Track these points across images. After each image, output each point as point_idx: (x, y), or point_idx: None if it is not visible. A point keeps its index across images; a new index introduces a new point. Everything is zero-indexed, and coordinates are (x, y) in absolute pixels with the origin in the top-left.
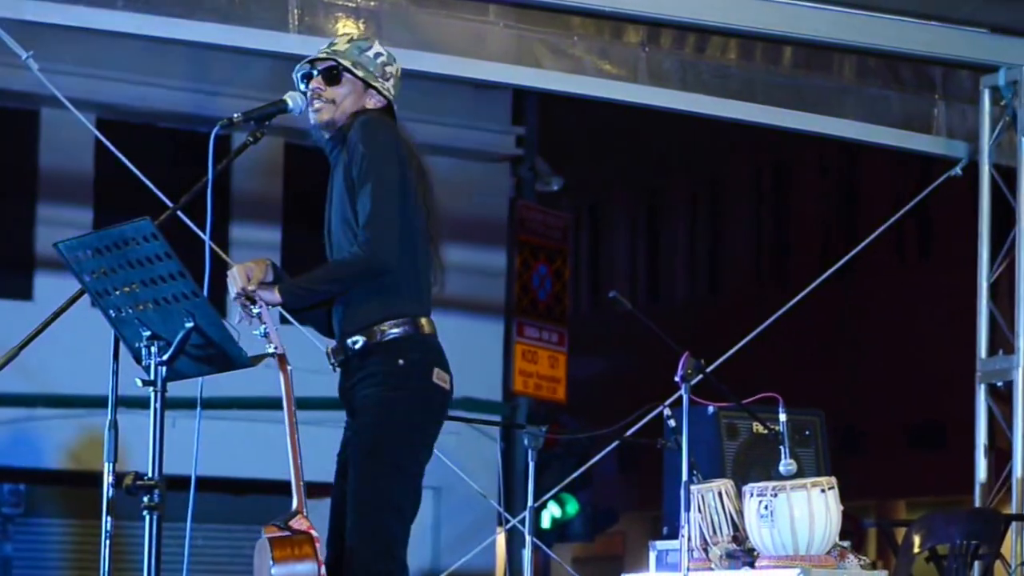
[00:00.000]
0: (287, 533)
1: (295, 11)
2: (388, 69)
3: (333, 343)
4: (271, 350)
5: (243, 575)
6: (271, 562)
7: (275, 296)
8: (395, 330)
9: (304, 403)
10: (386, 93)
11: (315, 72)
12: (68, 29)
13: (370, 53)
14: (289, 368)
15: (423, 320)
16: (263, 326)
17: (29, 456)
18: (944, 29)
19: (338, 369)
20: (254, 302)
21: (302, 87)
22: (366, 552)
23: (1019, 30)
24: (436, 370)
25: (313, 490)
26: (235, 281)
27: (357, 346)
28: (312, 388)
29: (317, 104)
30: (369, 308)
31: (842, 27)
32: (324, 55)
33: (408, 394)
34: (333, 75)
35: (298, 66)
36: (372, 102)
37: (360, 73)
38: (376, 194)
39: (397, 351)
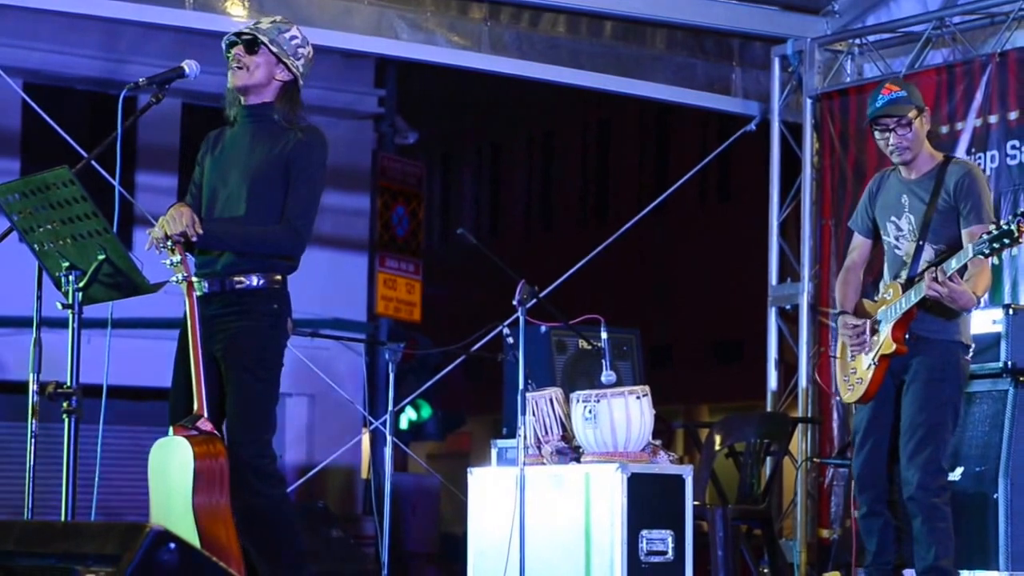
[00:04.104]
0: (196, 432)
1: None
2: (300, 50)
3: (200, 272)
4: (182, 276)
5: (144, 469)
6: (193, 458)
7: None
8: (272, 282)
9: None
10: (295, 69)
11: (238, 42)
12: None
13: (287, 35)
14: (196, 293)
15: (285, 276)
16: (176, 256)
17: None
18: (741, 6)
19: (201, 294)
20: (178, 244)
21: (228, 55)
22: (249, 451)
23: (804, 7)
24: (288, 319)
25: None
26: (177, 224)
27: (240, 286)
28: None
29: (236, 69)
30: (257, 260)
31: (654, 5)
32: (248, 30)
33: (278, 332)
34: (252, 47)
35: (226, 36)
36: (281, 75)
37: (275, 49)
38: (310, 198)
39: (272, 296)
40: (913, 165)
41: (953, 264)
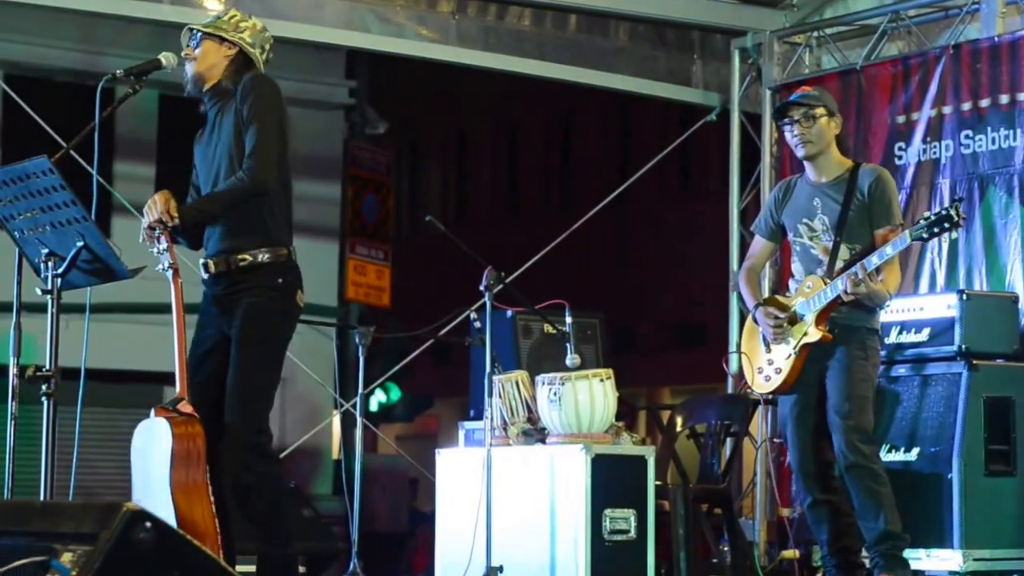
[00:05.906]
0: (177, 414)
1: None
2: (242, 24)
3: (209, 254)
4: (168, 263)
5: (120, 450)
6: (172, 437)
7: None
8: (275, 255)
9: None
10: (238, 41)
11: (188, 44)
12: None
13: (225, 17)
14: (205, 275)
15: (291, 248)
16: (162, 244)
17: None
18: (701, 0)
19: (209, 275)
20: (162, 227)
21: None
22: (244, 427)
23: (763, 1)
24: (298, 291)
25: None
26: (154, 210)
27: (244, 263)
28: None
29: (188, 62)
30: (255, 234)
31: None
32: (193, 27)
33: (283, 307)
34: (197, 41)
35: (181, 39)
36: (226, 51)
37: (209, 29)
38: (260, 132)
39: (278, 271)
40: (821, 168)
41: (888, 251)
